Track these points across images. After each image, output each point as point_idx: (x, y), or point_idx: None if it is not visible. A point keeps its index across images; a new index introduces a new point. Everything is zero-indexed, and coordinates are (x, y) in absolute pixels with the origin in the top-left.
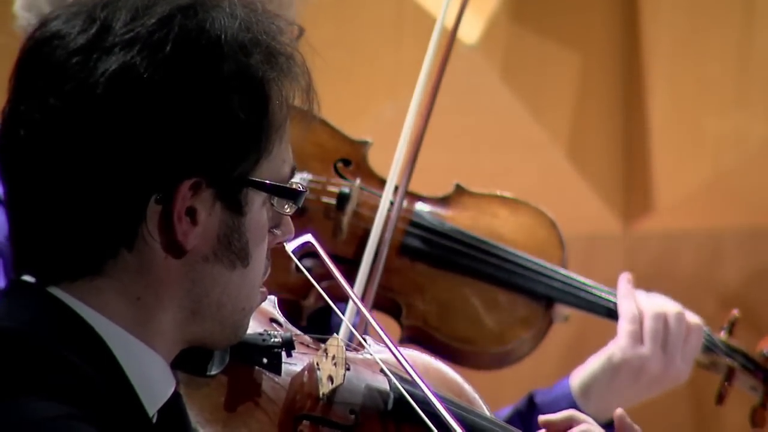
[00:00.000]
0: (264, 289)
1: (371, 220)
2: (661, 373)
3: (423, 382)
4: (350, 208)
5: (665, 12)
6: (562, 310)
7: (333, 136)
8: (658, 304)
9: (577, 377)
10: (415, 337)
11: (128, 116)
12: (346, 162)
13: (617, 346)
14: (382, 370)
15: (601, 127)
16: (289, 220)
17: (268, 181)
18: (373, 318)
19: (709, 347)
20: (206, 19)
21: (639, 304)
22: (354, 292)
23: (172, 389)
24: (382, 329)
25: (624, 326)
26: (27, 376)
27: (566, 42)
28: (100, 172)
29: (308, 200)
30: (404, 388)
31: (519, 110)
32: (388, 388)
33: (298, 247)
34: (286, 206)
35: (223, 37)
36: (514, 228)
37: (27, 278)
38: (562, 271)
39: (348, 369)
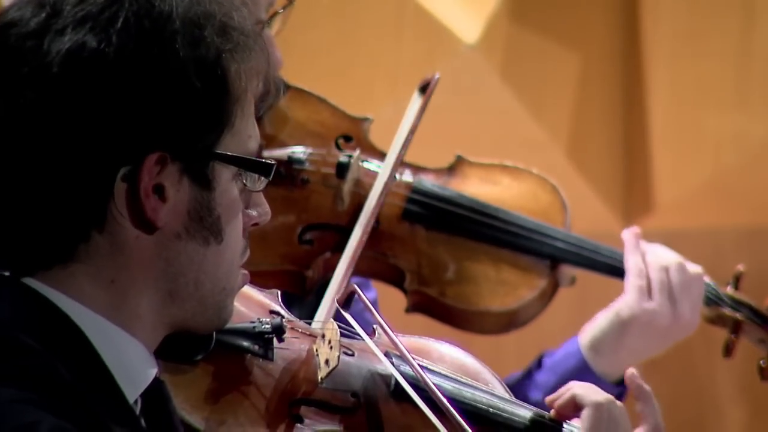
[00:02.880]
0: (245, 272)
1: (371, 187)
2: (670, 325)
3: (413, 357)
4: (350, 176)
5: (665, 11)
6: (567, 271)
7: (333, 114)
8: (660, 256)
9: (587, 334)
10: (420, 303)
11: (85, 93)
12: (347, 138)
13: (625, 302)
14: (386, 353)
15: (602, 126)
16: (264, 199)
17: (232, 153)
18: (384, 321)
19: (715, 300)
20: None
21: (644, 258)
22: (382, 320)
23: (153, 374)
24: (389, 326)
25: (631, 281)
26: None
27: (566, 41)
28: (63, 153)
29: (308, 171)
30: (403, 371)
31: (519, 109)
32: (390, 371)
33: (344, 296)
34: (257, 182)
35: (174, 11)
36: (516, 193)
37: (2, 272)
38: (566, 231)
39: (351, 354)
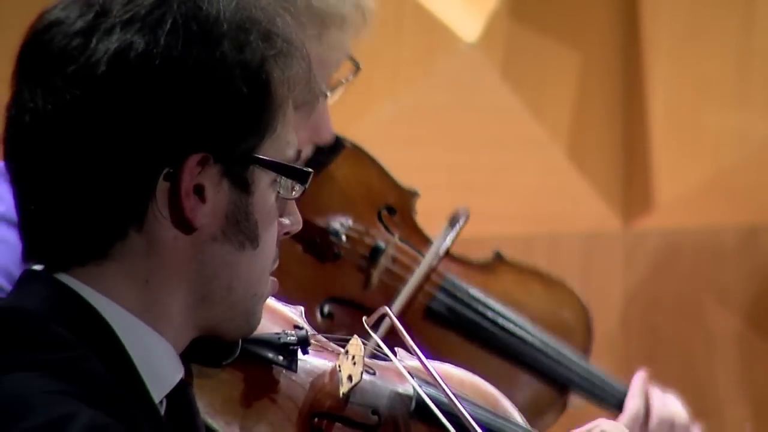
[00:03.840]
0: (274, 279)
1: (401, 277)
2: None
3: (445, 384)
4: (382, 262)
5: (665, 10)
6: (578, 398)
7: (382, 179)
8: (668, 409)
9: None
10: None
11: (131, 93)
12: (391, 210)
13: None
14: (409, 374)
15: (601, 125)
16: (296, 209)
17: (273, 159)
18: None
19: None
20: None
21: (650, 401)
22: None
23: (180, 376)
24: (413, 342)
25: (625, 422)
26: (20, 353)
27: (566, 40)
28: (108, 151)
29: (343, 247)
30: (426, 391)
31: (519, 108)
32: (411, 392)
33: (376, 321)
34: (292, 190)
35: (221, 14)
36: (544, 306)
37: (36, 268)
38: (584, 362)
39: (373, 373)
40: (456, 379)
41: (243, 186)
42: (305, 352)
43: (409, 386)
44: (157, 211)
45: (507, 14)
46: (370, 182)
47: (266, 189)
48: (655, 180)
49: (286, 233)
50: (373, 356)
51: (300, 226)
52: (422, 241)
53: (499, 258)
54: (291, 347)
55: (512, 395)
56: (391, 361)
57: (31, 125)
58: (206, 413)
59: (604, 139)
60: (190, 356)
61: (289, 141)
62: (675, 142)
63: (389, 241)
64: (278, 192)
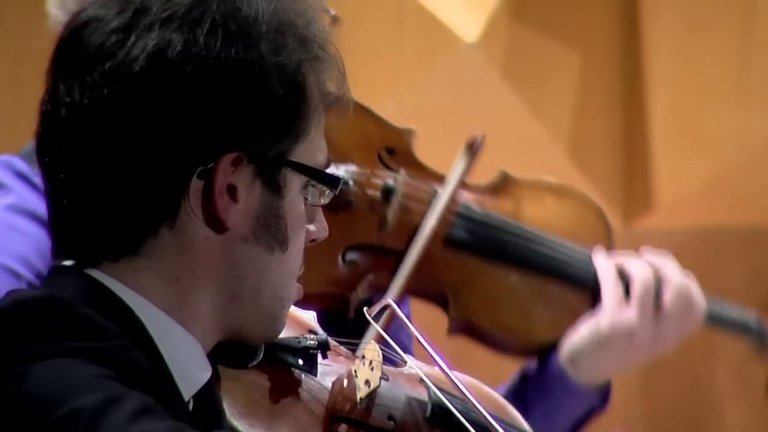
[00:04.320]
0: (300, 285)
1: (417, 212)
2: (652, 344)
3: (466, 389)
4: (396, 200)
5: (665, 10)
6: None
7: (377, 124)
8: (659, 267)
9: (566, 345)
10: (463, 327)
11: (169, 91)
12: (390, 150)
13: (604, 312)
14: (421, 380)
15: (602, 124)
16: (323, 216)
17: (306, 163)
18: (431, 347)
19: (760, 333)
20: (243, 0)
21: (629, 277)
22: (434, 352)
23: (208, 376)
24: (435, 351)
25: (604, 289)
26: (61, 341)
27: (566, 40)
28: (142, 148)
29: (353, 193)
30: (443, 396)
31: (519, 108)
32: (426, 398)
33: (378, 311)
34: (321, 196)
35: (259, 16)
36: (559, 215)
37: (66, 263)
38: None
39: (386, 379)
40: (467, 382)
41: (275, 188)
42: (325, 357)
43: (423, 392)
44: (190, 210)
45: (507, 14)
46: (365, 129)
47: (297, 193)
48: (656, 180)
49: (312, 240)
50: (390, 360)
51: (326, 234)
52: (428, 174)
53: (506, 177)
54: (311, 351)
55: (546, 305)
56: (399, 366)
57: (66, 119)
58: (231, 414)
59: (604, 139)
60: (215, 358)
61: (320, 147)
62: (675, 142)
63: (397, 179)
64: (306, 198)
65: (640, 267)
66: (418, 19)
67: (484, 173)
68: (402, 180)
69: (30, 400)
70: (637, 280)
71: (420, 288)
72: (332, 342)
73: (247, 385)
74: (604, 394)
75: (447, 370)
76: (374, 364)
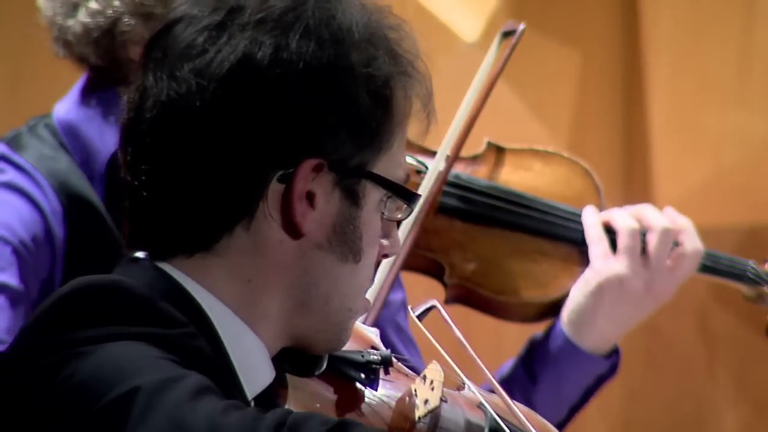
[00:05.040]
0: (368, 299)
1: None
2: (645, 292)
3: (524, 417)
4: None
5: (665, 10)
6: None
7: None
8: (641, 216)
9: (565, 310)
10: (460, 295)
11: (256, 92)
12: None
13: (590, 267)
14: (480, 405)
15: (602, 124)
16: (397, 232)
17: (386, 176)
18: (489, 372)
19: (755, 280)
20: (338, 8)
21: (619, 218)
22: (480, 361)
23: (271, 379)
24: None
25: (590, 243)
26: (126, 326)
27: (566, 40)
28: (225, 146)
29: None
30: (500, 421)
31: (519, 108)
32: (483, 423)
33: (423, 311)
34: (397, 211)
35: (353, 26)
36: (549, 179)
37: (138, 254)
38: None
39: (446, 401)
40: (522, 410)
41: (353, 199)
42: (387, 372)
43: (479, 416)
44: (267, 212)
45: (507, 14)
46: None
47: (374, 205)
48: (656, 179)
49: (384, 255)
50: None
51: (398, 250)
52: (418, 149)
53: (492, 146)
54: (374, 366)
55: (541, 266)
56: (462, 390)
57: (152, 110)
58: None
59: (604, 138)
60: (280, 364)
61: (400, 161)
62: (675, 142)
63: None
64: (383, 212)
65: (623, 218)
66: (418, 19)
67: None
68: None
69: (91, 378)
70: (621, 230)
71: (415, 259)
72: (394, 359)
73: (308, 394)
74: (612, 363)
75: (506, 397)
76: (435, 384)
